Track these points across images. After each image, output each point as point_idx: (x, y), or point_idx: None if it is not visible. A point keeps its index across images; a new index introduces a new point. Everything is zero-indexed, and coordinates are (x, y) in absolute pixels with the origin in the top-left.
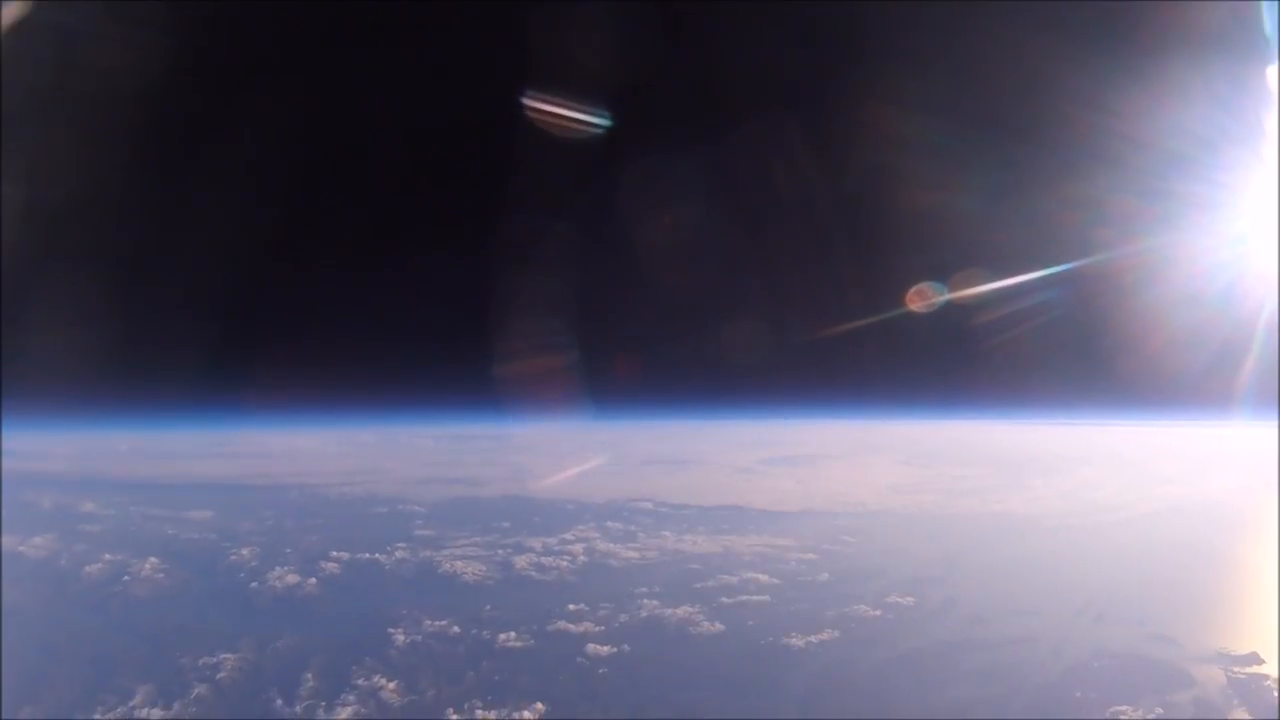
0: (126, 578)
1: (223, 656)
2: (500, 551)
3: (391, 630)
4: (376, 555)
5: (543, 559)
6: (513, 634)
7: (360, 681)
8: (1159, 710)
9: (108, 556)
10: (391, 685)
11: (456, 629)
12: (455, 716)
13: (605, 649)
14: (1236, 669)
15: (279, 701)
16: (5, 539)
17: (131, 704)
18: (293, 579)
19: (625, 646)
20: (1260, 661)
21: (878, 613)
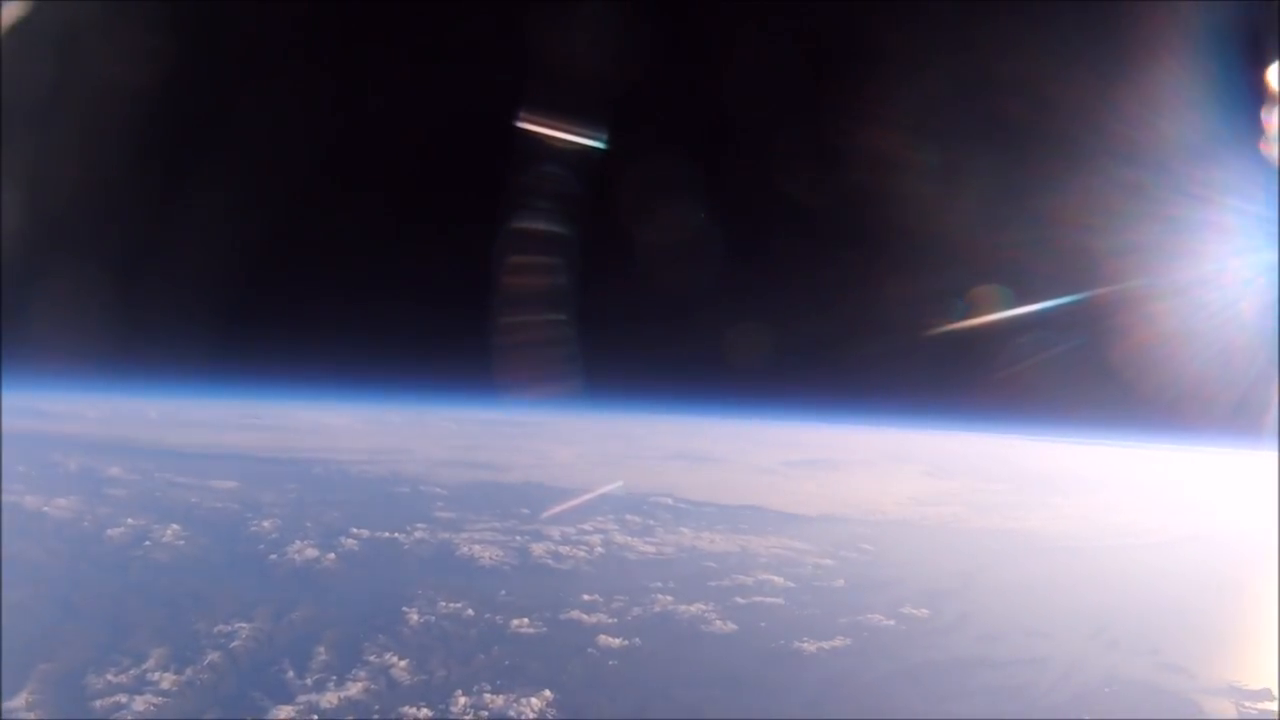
0: (148, 543)
1: (238, 625)
2: (518, 538)
3: (406, 609)
4: (396, 534)
5: (560, 548)
6: (525, 620)
7: (372, 658)
8: None
9: (130, 521)
10: (402, 663)
11: (470, 612)
12: (464, 699)
13: (616, 641)
14: (1247, 704)
15: (290, 673)
16: (29, 499)
17: (145, 666)
18: (312, 553)
19: (636, 640)
20: (1272, 698)
21: (891, 623)
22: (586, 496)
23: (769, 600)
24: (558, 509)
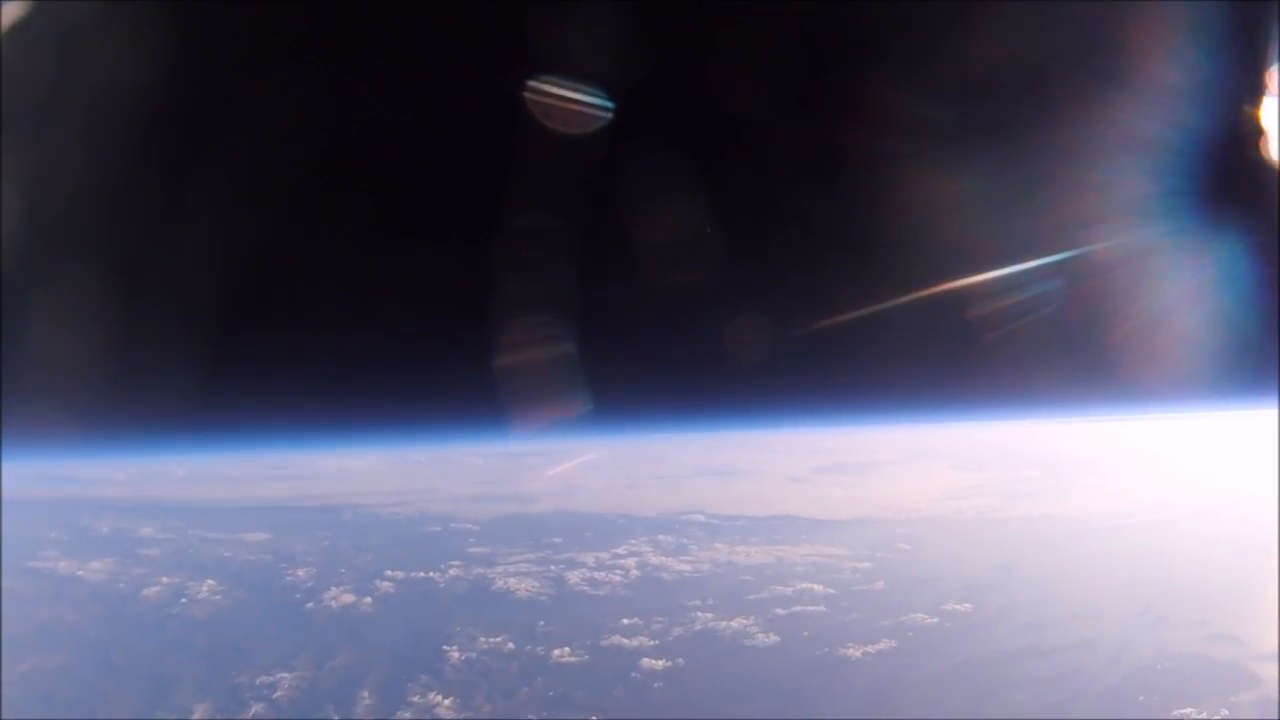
0: (184, 600)
1: (279, 675)
2: (553, 567)
3: (446, 647)
4: (430, 573)
5: (595, 574)
6: (566, 649)
7: (415, 698)
8: (1223, 712)
9: (166, 579)
10: (446, 702)
11: (511, 645)
12: None
13: (659, 663)
14: None
15: (335, 719)
16: (64, 564)
17: None
18: (348, 598)
19: (680, 660)
20: None
21: (935, 621)
22: (618, 520)
23: (810, 609)
24: (591, 533)
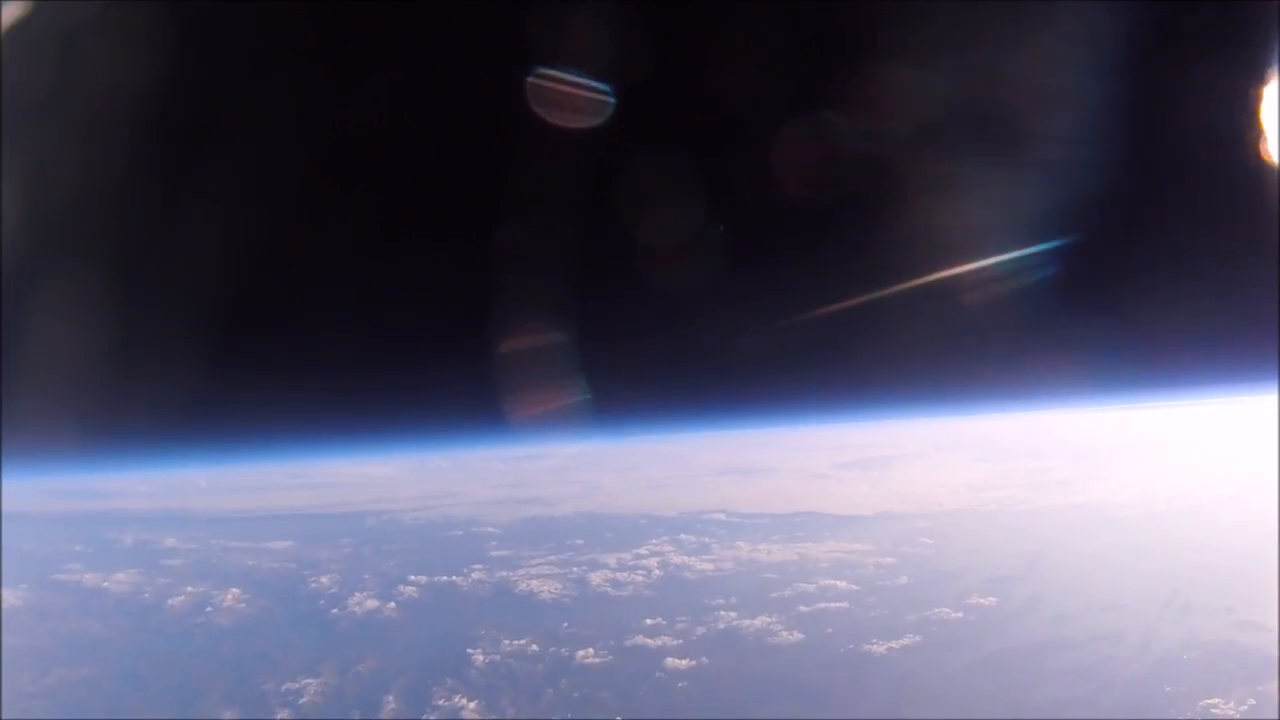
0: (209, 609)
1: (305, 682)
2: (575, 569)
3: (470, 651)
4: (453, 577)
5: (618, 574)
6: (591, 650)
7: (441, 702)
8: (1251, 701)
9: (190, 589)
10: (472, 705)
11: (535, 647)
12: None
13: (684, 662)
14: None
15: None
16: (89, 576)
17: None
18: (372, 604)
19: (704, 659)
20: None
21: (959, 615)
22: (640, 520)
23: (833, 605)
24: (613, 534)
